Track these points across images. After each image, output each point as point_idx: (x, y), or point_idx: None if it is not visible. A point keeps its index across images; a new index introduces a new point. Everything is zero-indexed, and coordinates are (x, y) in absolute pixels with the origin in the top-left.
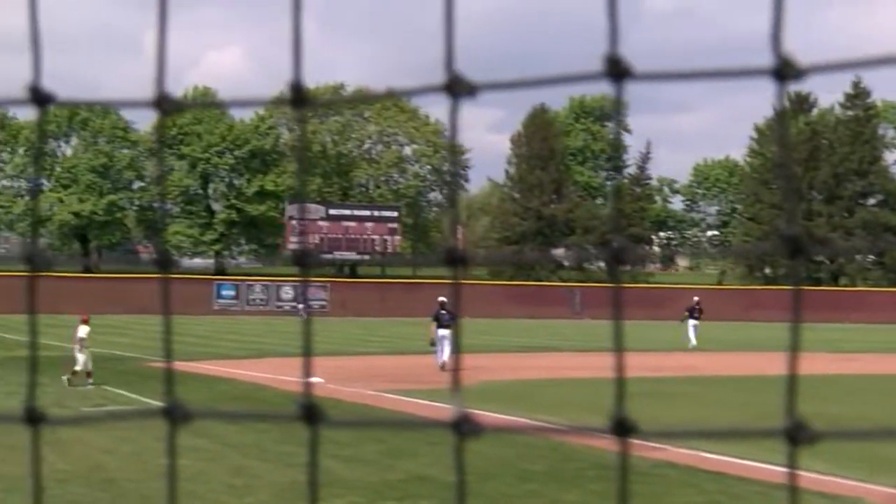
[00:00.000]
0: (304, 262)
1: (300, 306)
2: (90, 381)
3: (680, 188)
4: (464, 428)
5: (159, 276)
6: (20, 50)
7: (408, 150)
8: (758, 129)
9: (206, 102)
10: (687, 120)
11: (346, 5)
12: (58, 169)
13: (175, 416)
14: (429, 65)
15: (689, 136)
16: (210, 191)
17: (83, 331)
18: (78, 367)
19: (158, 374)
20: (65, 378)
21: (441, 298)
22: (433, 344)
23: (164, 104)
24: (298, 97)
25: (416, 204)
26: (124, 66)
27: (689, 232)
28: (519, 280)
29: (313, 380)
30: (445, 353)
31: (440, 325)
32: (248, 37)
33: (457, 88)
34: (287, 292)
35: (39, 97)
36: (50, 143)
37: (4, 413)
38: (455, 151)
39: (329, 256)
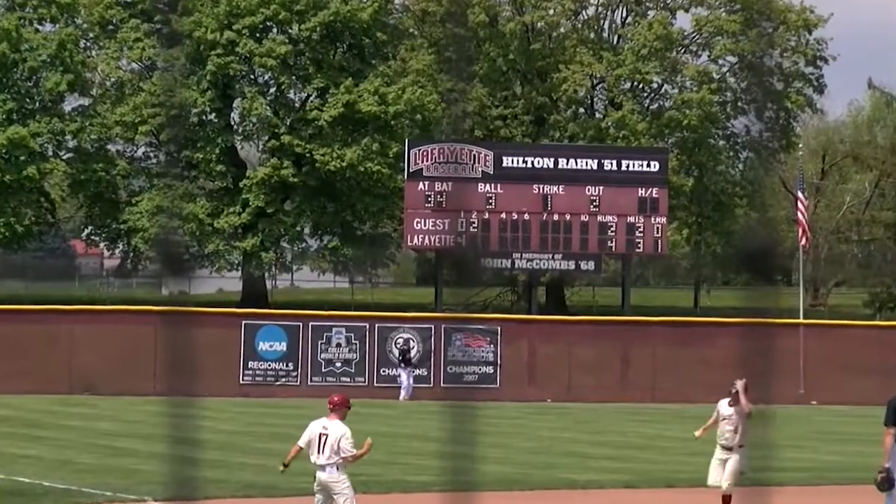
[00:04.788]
0: (465, 275)
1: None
2: None
3: None
4: None
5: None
6: None
7: (684, 22)
8: None
9: None
10: None
11: None
12: None
13: None
14: None
15: None
16: (234, 117)
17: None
18: None
19: None
20: None
21: None
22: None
23: None
24: None
25: (702, 145)
26: None
27: None
28: None
29: None
30: None
31: None
32: None
33: None
34: (402, 342)
35: None
36: None
37: None
38: None
39: (496, 265)
